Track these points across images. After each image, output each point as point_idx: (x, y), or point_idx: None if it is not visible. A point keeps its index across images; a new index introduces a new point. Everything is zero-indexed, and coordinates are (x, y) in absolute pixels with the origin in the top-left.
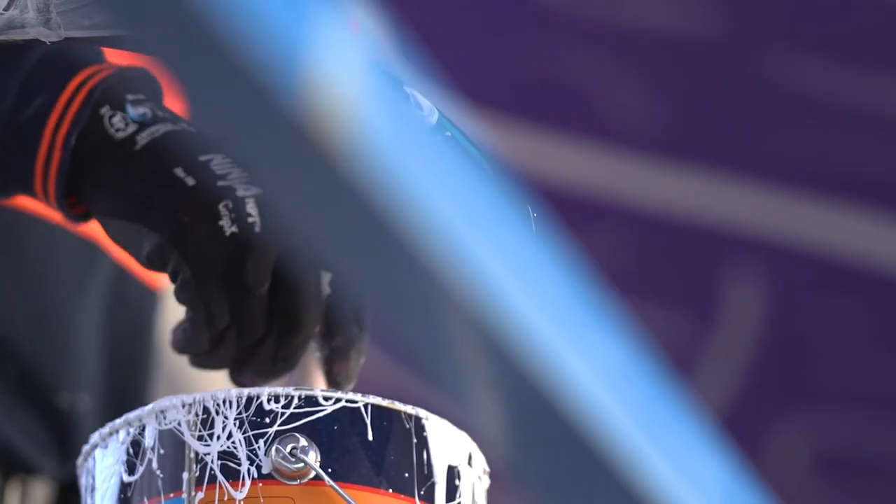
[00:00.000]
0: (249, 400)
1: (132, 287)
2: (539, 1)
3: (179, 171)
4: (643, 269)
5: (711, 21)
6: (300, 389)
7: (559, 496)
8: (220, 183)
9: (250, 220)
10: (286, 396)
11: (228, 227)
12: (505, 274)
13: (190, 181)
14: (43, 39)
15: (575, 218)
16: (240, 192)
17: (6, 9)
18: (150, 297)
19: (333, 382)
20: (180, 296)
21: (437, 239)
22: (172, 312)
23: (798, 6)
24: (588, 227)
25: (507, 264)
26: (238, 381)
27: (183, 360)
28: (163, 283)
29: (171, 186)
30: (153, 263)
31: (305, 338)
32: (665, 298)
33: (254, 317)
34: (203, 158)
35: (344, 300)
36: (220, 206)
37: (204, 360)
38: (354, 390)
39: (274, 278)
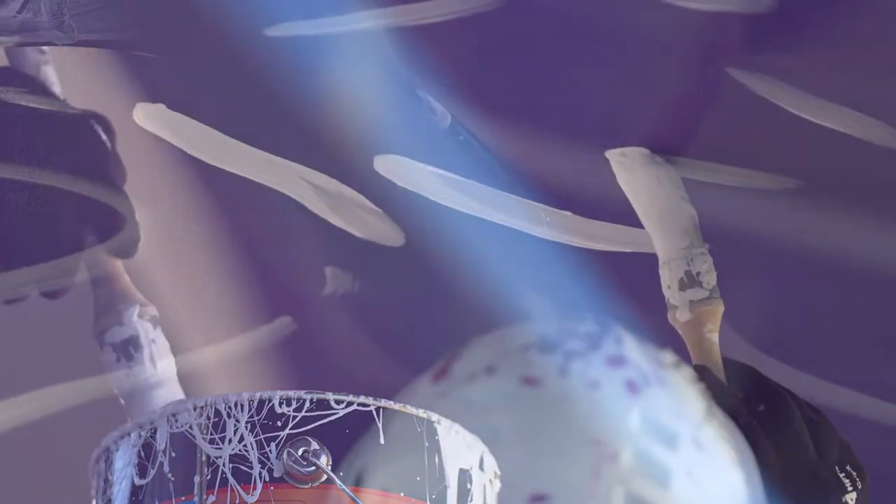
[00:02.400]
0: (261, 403)
1: None
2: (546, 6)
3: None
4: (643, 269)
5: (706, 20)
6: (312, 393)
7: None
8: None
9: None
10: (298, 400)
11: None
12: (516, 275)
13: None
14: (56, 42)
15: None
16: None
17: (20, 12)
18: None
19: None
20: None
21: (448, 240)
22: None
23: (794, 7)
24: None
25: (518, 265)
26: None
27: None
28: None
29: None
30: None
31: None
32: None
33: None
34: None
35: None
36: None
37: None
38: (365, 394)
39: None
